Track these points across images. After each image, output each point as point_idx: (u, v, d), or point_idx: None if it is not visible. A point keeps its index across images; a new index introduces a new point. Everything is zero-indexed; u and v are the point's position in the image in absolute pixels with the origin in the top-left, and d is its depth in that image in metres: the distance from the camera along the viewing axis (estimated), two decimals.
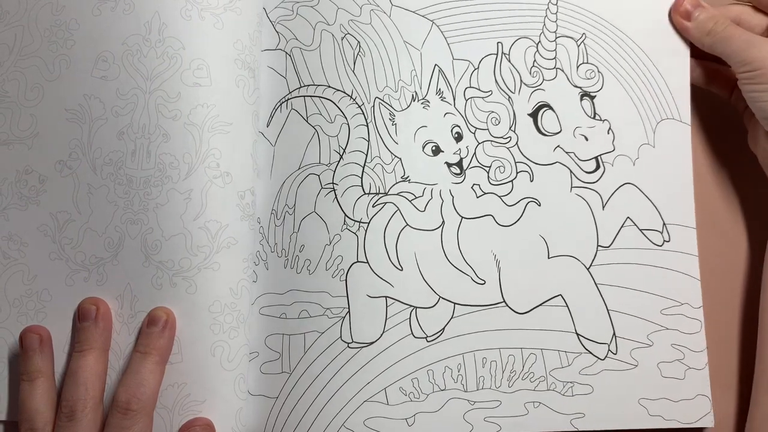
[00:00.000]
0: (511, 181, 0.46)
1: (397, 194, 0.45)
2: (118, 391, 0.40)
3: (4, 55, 0.44)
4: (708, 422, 0.44)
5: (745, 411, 0.45)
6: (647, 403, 0.44)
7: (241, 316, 0.43)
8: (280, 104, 0.46)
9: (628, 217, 0.46)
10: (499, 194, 0.46)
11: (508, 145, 0.46)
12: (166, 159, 0.43)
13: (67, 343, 0.42)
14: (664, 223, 0.46)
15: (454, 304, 0.45)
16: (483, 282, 0.45)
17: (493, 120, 0.46)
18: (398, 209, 0.45)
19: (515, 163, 0.46)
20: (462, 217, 0.45)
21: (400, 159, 0.46)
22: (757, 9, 0.46)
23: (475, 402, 0.44)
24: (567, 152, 0.46)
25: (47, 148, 0.43)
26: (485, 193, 0.46)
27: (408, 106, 0.46)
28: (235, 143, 0.44)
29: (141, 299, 0.42)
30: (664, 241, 0.46)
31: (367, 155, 0.46)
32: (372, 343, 0.44)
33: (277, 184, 0.45)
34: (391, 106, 0.46)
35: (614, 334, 0.45)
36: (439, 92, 0.46)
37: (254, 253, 0.45)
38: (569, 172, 0.46)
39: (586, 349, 0.44)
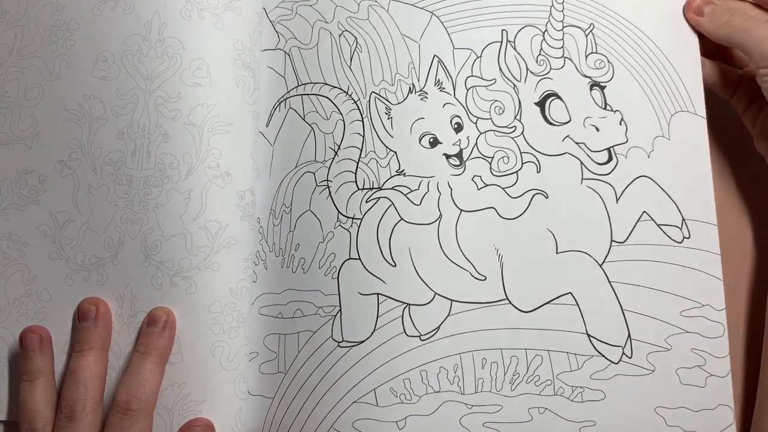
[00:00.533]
0: (516, 172, 0.44)
1: (392, 188, 0.44)
2: (118, 391, 0.40)
3: (4, 55, 0.44)
4: None
5: (748, 415, 0.44)
6: (664, 411, 0.41)
7: (241, 316, 0.43)
8: (279, 104, 0.46)
9: (644, 212, 0.43)
10: (503, 186, 0.44)
11: (512, 135, 0.44)
12: (166, 159, 0.43)
13: (67, 343, 0.42)
14: (683, 219, 0.43)
15: (451, 301, 0.43)
16: (483, 278, 0.43)
17: (497, 109, 0.45)
18: (392, 203, 0.44)
19: (521, 153, 0.44)
20: (461, 210, 0.44)
21: (396, 152, 0.45)
22: (757, 5, 0.46)
23: (472, 406, 0.42)
24: (577, 143, 0.44)
25: (47, 148, 0.43)
26: (487, 185, 0.44)
27: (404, 99, 0.45)
28: (235, 143, 0.44)
29: (141, 299, 0.42)
30: (684, 237, 0.43)
31: (361, 150, 0.45)
32: (362, 341, 0.43)
33: (276, 184, 0.45)
34: (387, 100, 0.45)
35: (629, 336, 0.42)
36: (438, 83, 0.45)
37: (254, 253, 0.45)
38: (579, 163, 0.44)
39: (598, 352, 0.42)
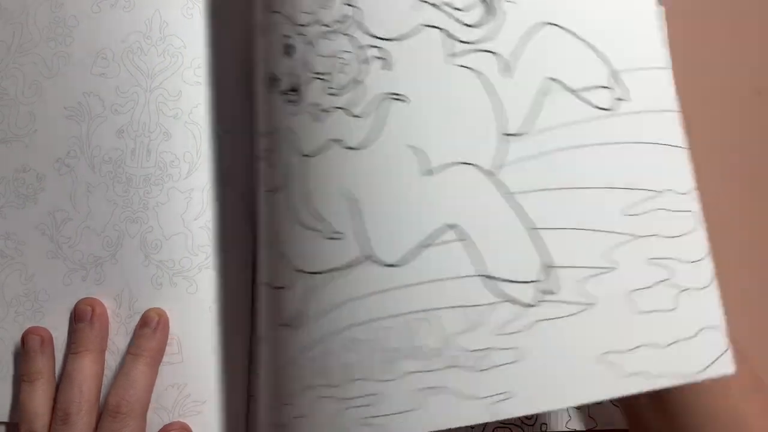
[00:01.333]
0: (361, 80, 0.31)
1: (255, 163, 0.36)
2: (109, 394, 0.39)
3: (3, 52, 0.44)
4: (725, 368, 0.28)
5: None
6: (618, 357, 0.28)
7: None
8: None
9: (549, 78, 0.30)
10: (346, 106, 0.31)
11: (347, 30, 0.31)
12: (166, 158, 0.43)
13: (64, 343, 0.42)
14: (613, 71, 0.30)
15: (312, 274, 0.31)
16: (341, 235, 0.31)
17: (322, 2, 0.32)
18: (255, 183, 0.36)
19: (361, 49, 0.31)
20: (306, 157, 0.32)
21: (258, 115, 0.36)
22: None
23: (343, 399, 0.30)
24: (437, 5, 0.30)
25: (45, 146, 0.43)
26: (325, 111, 0.31)
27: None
28: (236, 143, 0.44)
29: (140, 299, 0.42)
30: (618, 99, 0.30)
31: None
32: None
33: None
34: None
35: (547, 263, 0.29)
36: (267, 8, 0.35)
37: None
38: (442, 34, 0.30)
39: (504, 295, 0.29)
